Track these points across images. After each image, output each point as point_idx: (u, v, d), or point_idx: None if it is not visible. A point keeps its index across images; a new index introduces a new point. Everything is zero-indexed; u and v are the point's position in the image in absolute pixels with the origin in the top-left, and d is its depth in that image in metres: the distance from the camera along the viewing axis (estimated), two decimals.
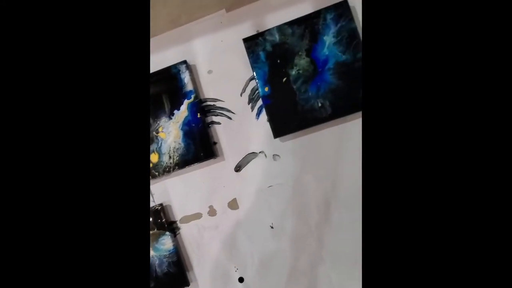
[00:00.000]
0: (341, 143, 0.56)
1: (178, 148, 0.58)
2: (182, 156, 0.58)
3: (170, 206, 0.60)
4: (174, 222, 0.60)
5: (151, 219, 0.59)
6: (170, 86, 0.59)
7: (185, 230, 0.60)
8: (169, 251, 0.58)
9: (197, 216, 0.60)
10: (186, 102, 0.58)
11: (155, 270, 0.58)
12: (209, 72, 0.60)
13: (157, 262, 0.58)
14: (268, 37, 0.56)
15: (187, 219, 0.60)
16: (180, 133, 0.58)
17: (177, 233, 0.60)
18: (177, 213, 0.60)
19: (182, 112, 0.58)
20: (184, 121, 0.58)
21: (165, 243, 0.58)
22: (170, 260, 0.58)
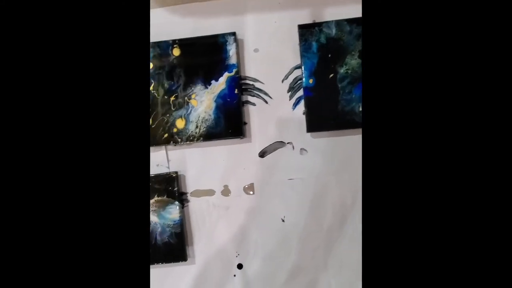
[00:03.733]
0: None
1: (207, 119, 0.56)
2: (209, 128, 0.56)
3: (184, 176, 0.58)
4: (185, 193, 0.58)
5: (162, 186, 0.56)
6: (213, 54, 0.56)
7: (194, 204, 0.58)
8: (174, 221, 0.56)
9: (210, 192, 0.58)
10: (226, 74, 0.56)
11: (155, 237, 0.56)
12: (255, 50, 0.58)
13: (159, 229, 0.56)
14: (325, 29, 0.55)
15: (198, 193, 0.58)
16: (213, 105, 0.56)
17: (185, 205, 0.58)
18: (190, 185, 0.58)
19: (220, 84, 0.56)
20: (219, 93, 0.56)
21: (172, 212, 0.56)
22: (173, 231, 0.56)
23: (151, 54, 0.57)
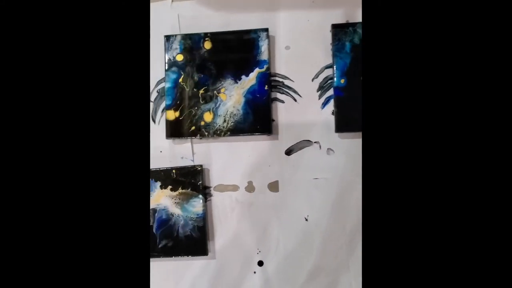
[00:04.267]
0: None
1: (235, 114, 0.56)
2: (237, 123, 0.56)
3: (208, 170, 0.58)
4: (208, 187, 0.58)
5: (187, 178, 0.56)
6: (245, 50, 0.56)
7: (217, 198, 0.57)
8: (197, 214, 0.56)
9: (234, 188, 0.57)
10: (257, 70, 0.56)
11: (178, 230, 0.56)
12: (287, 48, 0.58)
13: (181, 222, 0.56)
14: (359, 30, 0.54)
15: (222, 188, 0.58)
16: (242, 100, 0.56)
17: (207, 199, 0.57)
18: (214, 180, 0.58)
19: (250, 79, 0.56)
20: (249, 89, 0.56)
21: (196, 205, 0.56)
22: (195, 224, 0.55)
23: (182, 46, 0.57)
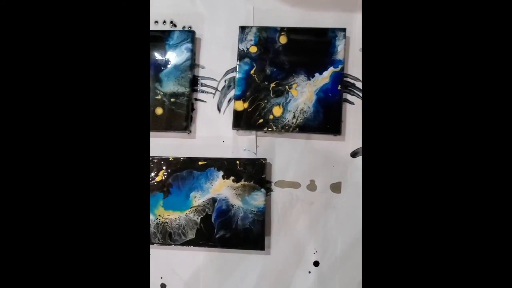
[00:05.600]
0: None
1: (306, 111, 0.55)
2: (307, 120, 0.55)
3: (270, 164, 0.57)
4: (269, 182, 0.57)
5: (251, 171, 0.55)
6: (321, 48, 0.56)
7: (277, 194, 0.57)
8: (258, 208, 0.55)
9: (295, 185, 0.57)
10: (331, 69, 0.56)
11: (236, 222, 0.55)
12: (361, 50, 0.57)
13: (241, 214, 0.55)
14: None
15: (283, 184, 0.57)
16: (314, 98, 0.55)
17: (268, 194, 0.57)
18: (275, 175, 0.57)
19: (324, 78, 0.56)
20: (322, 87, 0.56)
21: (257, 199, 0.55)
22: (255, 218, 0.55)
23: (257, 38, 0.57)
